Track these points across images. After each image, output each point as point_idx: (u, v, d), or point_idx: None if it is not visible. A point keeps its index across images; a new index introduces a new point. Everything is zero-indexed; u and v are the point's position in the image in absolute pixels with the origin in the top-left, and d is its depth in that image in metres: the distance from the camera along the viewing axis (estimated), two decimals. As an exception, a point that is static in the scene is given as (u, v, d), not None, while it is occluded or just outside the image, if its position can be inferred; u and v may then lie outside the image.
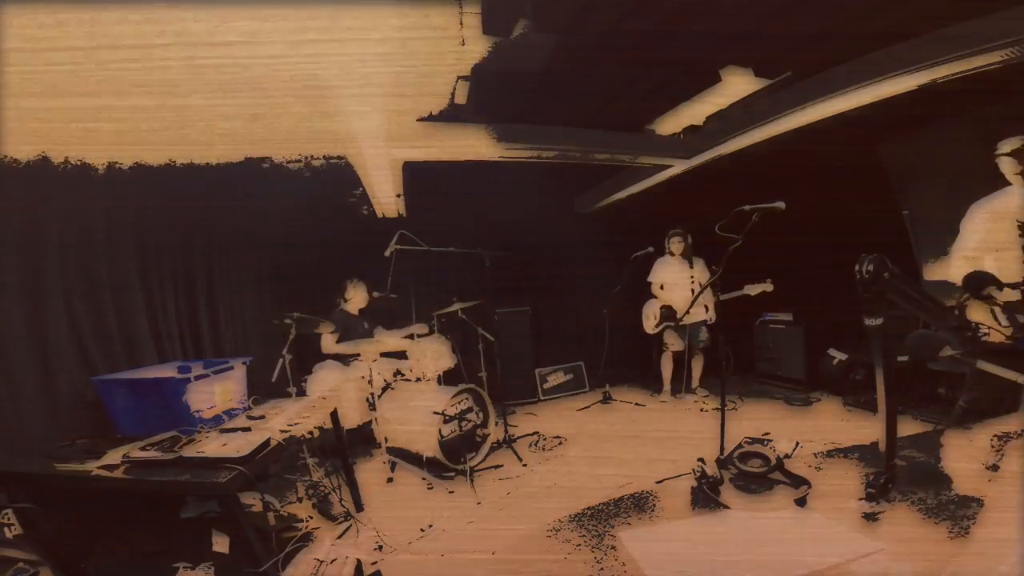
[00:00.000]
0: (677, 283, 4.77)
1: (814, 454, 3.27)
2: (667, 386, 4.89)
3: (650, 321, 4.86)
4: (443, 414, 3.41)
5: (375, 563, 2.44)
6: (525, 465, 3.53)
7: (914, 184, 4.14)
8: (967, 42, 2.82)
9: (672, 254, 4.78)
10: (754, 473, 2.97)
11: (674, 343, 4.77)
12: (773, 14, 2.94)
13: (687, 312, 4.36)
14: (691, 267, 4.75)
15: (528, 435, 4.08)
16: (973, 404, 2.90)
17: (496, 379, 4.30)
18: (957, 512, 2.47)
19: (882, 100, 3.27)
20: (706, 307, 4.61)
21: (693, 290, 4.67)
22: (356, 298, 4.17)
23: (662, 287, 4.82)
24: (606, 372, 5.12)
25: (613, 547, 2.49)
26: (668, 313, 4.73)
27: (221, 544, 2.28)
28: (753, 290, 4.19)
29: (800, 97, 3.53)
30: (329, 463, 3.22)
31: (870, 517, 2.52)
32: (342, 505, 2.92)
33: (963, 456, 2.84)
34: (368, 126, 3.55)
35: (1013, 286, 2.72)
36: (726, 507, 2.79)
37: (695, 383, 4.83)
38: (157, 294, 3.67)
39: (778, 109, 3.66)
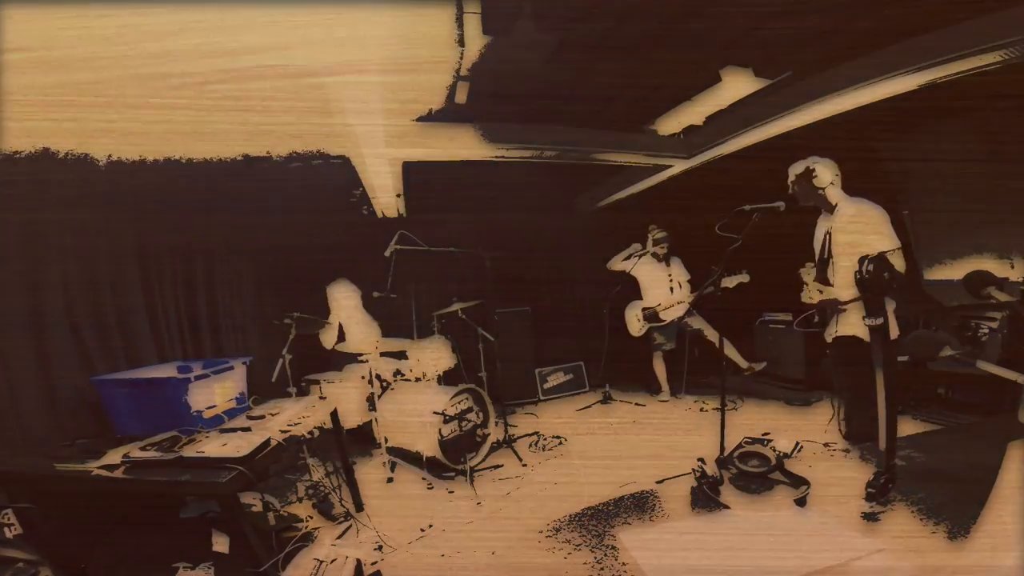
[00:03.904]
0: (656, 283, 4.78)
1: (814, 454, 3.27)
2: (665, 386, 4.88)
3: (634, 324, 4.86)
4: (443, 414, 3.41)
5: (375, 563, 2.45)
6: (525, 465, 3.53)
7: (914, 184, 4.14)
8: (967, 42, 2.82)
9: (656, 256, 4.77)
10: (754, 473, 2.97)
11: (665, 342, 4.76)
12: (773, 14, 2.94)
13: (688, 311, 4.36)
14: (668, 266, 4.77)
15: (528, 435, 4.07)
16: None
17: (496, 379, 4.29)
18: (957, 512, 2.47)
19: (882, 100, 3.27)
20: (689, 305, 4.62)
21: (672, 289, 4.68)
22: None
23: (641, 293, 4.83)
24: (606, 372, 5.11)
25: (613, 547, 2.49)
26: (650, 314, 4.73)
27: (221, 544, 2.28)
28: (731, 282, 4.13)
29: (800, 97, 3.53)
30: (329, 463, 3.22)
31: (870, 517, 2.52)
32: (342, 505, 2.92)
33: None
34: (368, 126, 3.55)
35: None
36: (726, 507, 2.79)
37: (742, 363, 4.61)
38: (157, 294, 3.67)
39: (778, 109, 3.66)
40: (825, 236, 3.07)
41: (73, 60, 2.82)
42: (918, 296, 2.59)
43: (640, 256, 4.83)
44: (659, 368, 4.87)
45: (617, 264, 4.89)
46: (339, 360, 4.03)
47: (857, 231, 2.89)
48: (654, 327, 4.75)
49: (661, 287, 4.74)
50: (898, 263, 2.77)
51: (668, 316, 4.63)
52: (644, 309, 4.77)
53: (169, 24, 2.77)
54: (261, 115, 3.23)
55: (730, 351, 4.69)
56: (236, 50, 2.89)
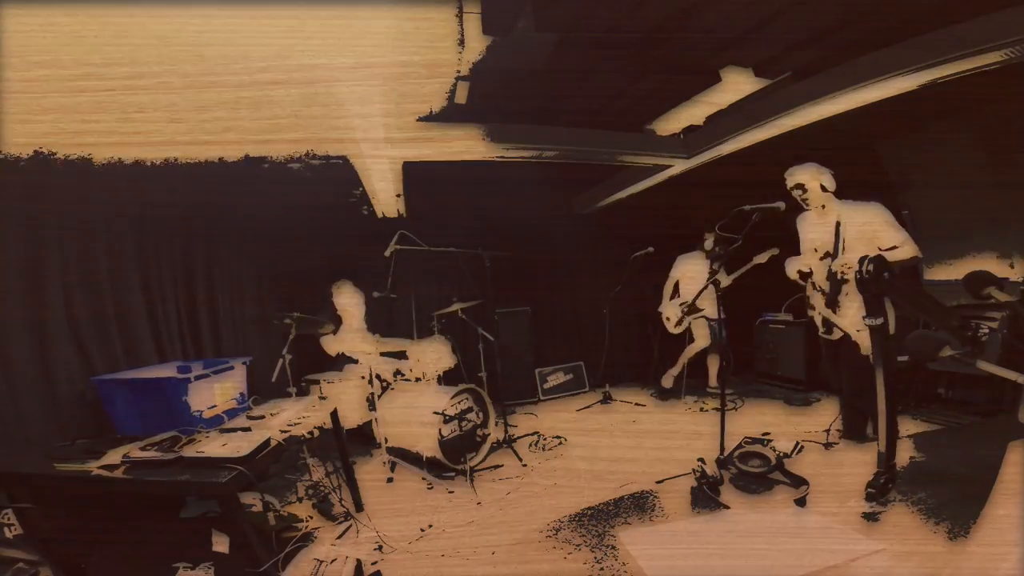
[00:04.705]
0: (693, 277, 4.78)
1: (814, 454, 3.27)
2: (677, 371, 4.84)
3: (672, 322, 4.86)
4: (443, 414, 3.41)
5: (375, 563, 2.45)
6: (525, 465, 3.53)
7: (914, 184, 4.14)
8: (967, 42, 2.82)
9: (709, 254, 4.77)
10: (754, 473, 2.97)
11: (704, 337, 4.73)
12: (773, 14, 2.94)
13: (694, 300, 4.37)
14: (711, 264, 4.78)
15: (528, 435, 4.08)
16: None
17: (496, 379, 4.29)
18: (957, 512, 2.47)
19: (882, 100, 3.27)
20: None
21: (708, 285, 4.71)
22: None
23: (676, 284, 4.84)
24: (606, 372, 5.11)
25: (613, 547, 2.49)
26: (690, 309, 4.75)
27: (221, 544, 2.28)
28: (762, 258, 4.26)
29: (800, 97, 3.53)
30: (329, 463, 3.22)
31: (870, 517, 2.52)
32: (342, 505, 2.92)
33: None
34: (368, 126, 3.55)
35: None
36: (726, 507, 2.79)
37: (712, 381, 4.83)
38: (157, 294, 3.67)
39: (777, 109, 3.66)
40: (836, 234, 3.09)
41: (73, 60, 2.82)
42: (919, 295, 2.59)
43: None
44: (685, 356, 4.83)
45: (672, 323, 4.93)
46: (339, 360, 4.03)
47: (870, 235, 2.93)
48: (699, 317, 4.75)
49: (696, 281, 4.75)
50: (909, 250, 2.84)
51: (700, 305, 4.63)
52: (682, 305, 4.79)
53: (169, 25, 2.77)
54: (261, 115, 3.23)
55: (712, 366, 4.84)
56: (237, 50, 2.88)
